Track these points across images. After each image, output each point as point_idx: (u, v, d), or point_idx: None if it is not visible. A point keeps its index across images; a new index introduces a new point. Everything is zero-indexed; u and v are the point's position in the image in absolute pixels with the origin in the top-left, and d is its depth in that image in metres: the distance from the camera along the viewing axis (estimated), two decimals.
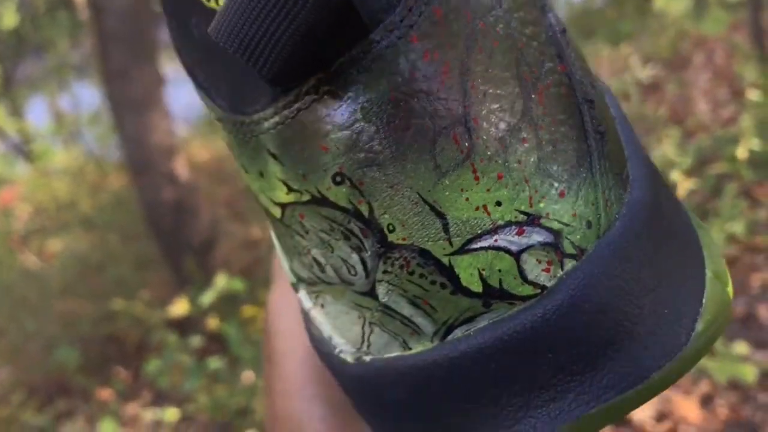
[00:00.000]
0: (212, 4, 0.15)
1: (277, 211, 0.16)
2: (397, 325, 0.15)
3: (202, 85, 0.17)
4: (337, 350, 0.17)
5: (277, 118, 0.14)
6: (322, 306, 0.17)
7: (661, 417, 1.63)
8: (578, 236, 0.14)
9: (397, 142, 0.13)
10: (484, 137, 0.14)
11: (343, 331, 0.16)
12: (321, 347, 0.18)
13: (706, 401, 1.66)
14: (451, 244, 0.14)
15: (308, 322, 0.19)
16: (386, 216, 0.14)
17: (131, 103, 2.22)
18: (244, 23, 0.12)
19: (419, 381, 0.15)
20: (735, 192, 2.10)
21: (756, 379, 1.52)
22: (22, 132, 4.21)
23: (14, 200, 3.62)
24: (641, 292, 0.14)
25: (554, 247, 0.14)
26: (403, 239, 0.14)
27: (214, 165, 4.04)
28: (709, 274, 0.15)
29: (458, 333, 0.14)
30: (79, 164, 4.06)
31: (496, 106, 0.14)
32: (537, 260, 0.14)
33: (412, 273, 0.14)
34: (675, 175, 2.21)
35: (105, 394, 2.28)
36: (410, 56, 0.13)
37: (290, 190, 0.15)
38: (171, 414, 1.89)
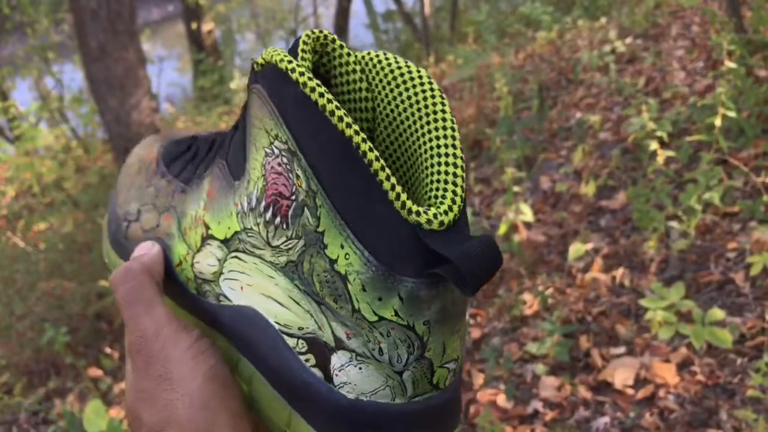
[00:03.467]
0: (398, 208, 0.28)
1: (373, 317, 0.29)
2: (400, 389, 0.30)
3: (360, 239, 0.29)
4: (344, 390, 0.30)
5: (414, 285, 0.28)
6: (360, 369, 0.30)
7: (641, 382, 1.67)
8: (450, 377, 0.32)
9: (455, 318, 0.30)
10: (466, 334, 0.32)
11: (364, 384, 0.30)
12: (313, 387, 0.31)
13: (685, 366, 1.69)
14: (441, 364, 0.30)
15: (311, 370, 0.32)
16: (431, 345, 0.29)
17: (111, 82, 2.20)
18: (468, 270, 0.27)
19: (393, 416, 0.30)
20: (711, 160, 2.12)
21: (732, 344, 1.55)
22: (5, 112, 4.18)
23: None
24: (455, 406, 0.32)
25: (453, 373, 0.31)
26: (429, 356, 0.30)
27: None
28: None
29: (418, 399, 0.30)
30: (63, 144, 4.05)
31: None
32: (448, 377, 0.31)
33: (424, 371, 0.30)
34: (653, 145, 2.23)
35: (95, 372, 2.30)
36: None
37: (396, 314, 0.29)
38: None
